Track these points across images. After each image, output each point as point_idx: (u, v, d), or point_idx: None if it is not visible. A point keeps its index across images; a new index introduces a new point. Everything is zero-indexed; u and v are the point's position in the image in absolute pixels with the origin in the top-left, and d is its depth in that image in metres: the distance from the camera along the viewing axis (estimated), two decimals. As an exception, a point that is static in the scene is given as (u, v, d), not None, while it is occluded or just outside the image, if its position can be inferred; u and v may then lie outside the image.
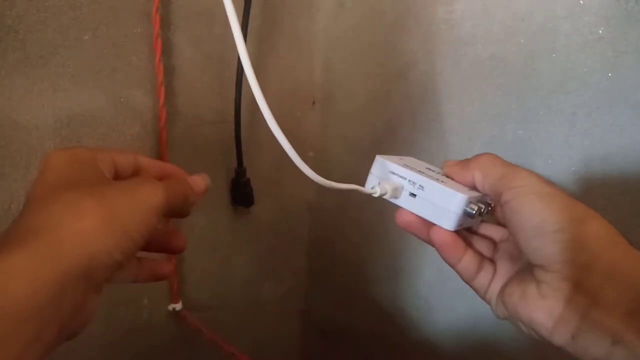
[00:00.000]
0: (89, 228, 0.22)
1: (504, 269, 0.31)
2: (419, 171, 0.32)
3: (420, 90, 0.52)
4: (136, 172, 0.29)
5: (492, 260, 0.32)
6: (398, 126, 0.55)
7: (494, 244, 0.34)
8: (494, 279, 0.31)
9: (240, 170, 0.51)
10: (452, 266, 0.32)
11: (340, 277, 0.69)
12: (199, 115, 0.47)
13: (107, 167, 0.27)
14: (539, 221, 0.26)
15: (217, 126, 0.48)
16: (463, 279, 0.32)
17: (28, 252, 0.20)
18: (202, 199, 0.30)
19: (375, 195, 0.32)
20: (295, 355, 0.77)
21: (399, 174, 0.32)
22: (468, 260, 0.31)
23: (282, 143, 0.26)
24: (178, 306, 0.49)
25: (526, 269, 0.29)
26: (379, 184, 0.32)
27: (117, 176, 0.28)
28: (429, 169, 0.34)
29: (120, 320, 0.45)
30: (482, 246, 0.33)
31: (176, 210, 0.28)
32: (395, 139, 0.56)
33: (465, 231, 0.34)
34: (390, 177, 0.33)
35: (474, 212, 0.30)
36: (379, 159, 0.34)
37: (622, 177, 0.41)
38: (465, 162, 0.32)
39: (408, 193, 0.32)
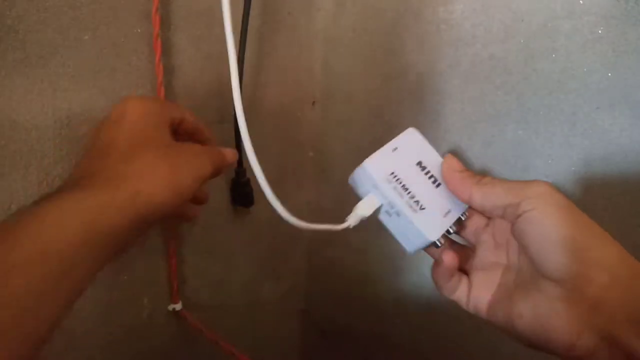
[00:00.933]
0: (159, 186, 0.28)
1: (479, 280, 0.33)
2: (404, 187, 0.32)
3: (420, 90, 0.52)
4: (180, 126, 0.35)
5: (464, 271, 0.34)
6: (398, 126, 0.55)
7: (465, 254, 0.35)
8: (471, 291, 0.33)
9: (240, 170, 0.50)
10: (441, 286, 0.34)
11: (340, 277, 0.69)
12: (199, 115, 0.46)
13: (170, 122, 0.33)
14: (559, 235, 0.26)
15: (217, 126, 0.48)
16: (443, 292, 0.35)
17: (113, 196, 0.26)
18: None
19: (350, 227, 0.34)
20: (295, 355, 0.77)
21: (382, 190, 0.33)
22: (454, 280, 0.33)
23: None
24: (178, 306, 0.49)
25: (528, 285, 0.29)
26: (354, 213, 0.33)
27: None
28: (421, 165, 0.34)
29: (120, 320, 0.45)
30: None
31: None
32: (395, 139, 0.56)
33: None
34: (371, 191, 0.33)
35: (440, 245, 0.32)
36: (367, 166, 0.34)
37: (622, 177, 0.41)
38: (465, 177, 0.32)
39: (385, 210, 0.33)
